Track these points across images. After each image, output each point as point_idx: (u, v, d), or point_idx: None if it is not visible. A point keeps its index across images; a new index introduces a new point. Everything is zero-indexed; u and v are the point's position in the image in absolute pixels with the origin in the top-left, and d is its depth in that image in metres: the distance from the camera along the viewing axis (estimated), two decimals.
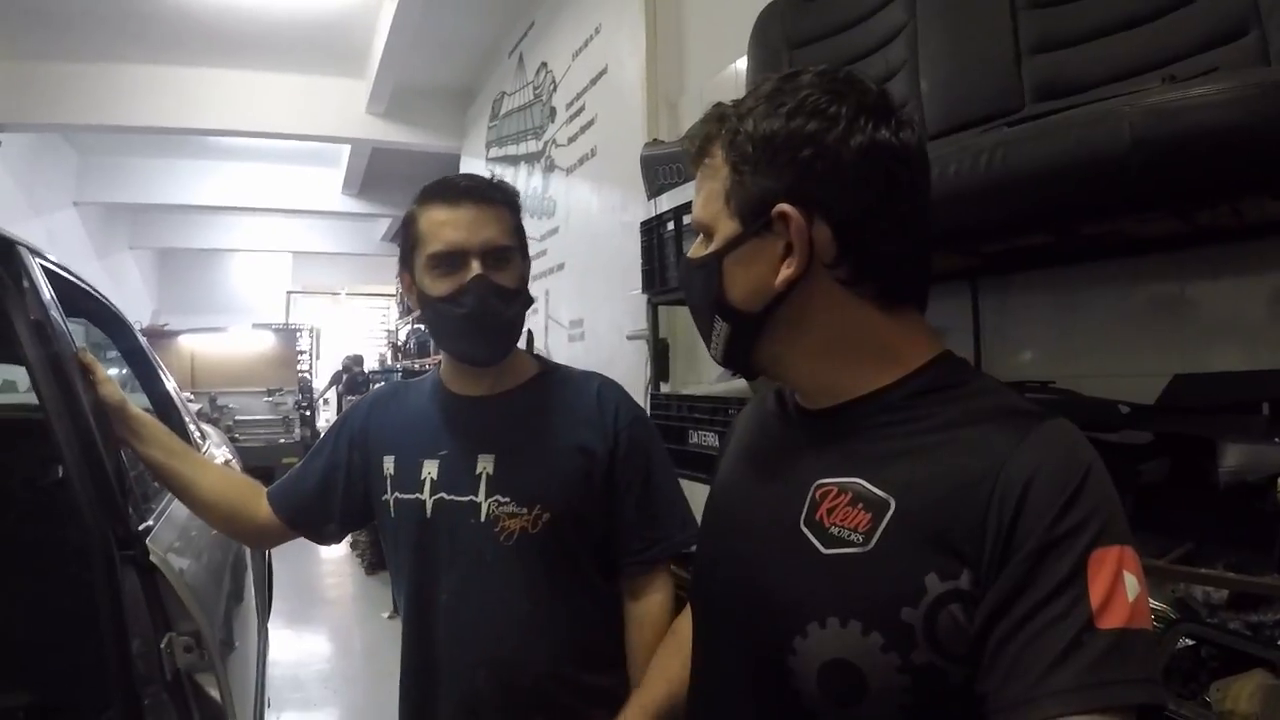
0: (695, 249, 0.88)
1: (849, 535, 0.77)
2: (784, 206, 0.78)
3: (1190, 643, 1.22)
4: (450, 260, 1.32)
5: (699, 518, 1.10)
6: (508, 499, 1.34)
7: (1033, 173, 1.25)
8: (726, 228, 0.83)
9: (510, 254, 1.37)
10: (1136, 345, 1.65)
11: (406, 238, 1.39)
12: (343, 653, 5.22)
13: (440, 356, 1.50)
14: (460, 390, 1.44)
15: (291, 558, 6.17)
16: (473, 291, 1.31)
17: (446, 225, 1.33)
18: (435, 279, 1.33)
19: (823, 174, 0.78)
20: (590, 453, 1.38)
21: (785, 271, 0.80)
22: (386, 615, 5.67)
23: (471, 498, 1.35)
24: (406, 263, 1.40)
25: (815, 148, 0.78)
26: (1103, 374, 1.64)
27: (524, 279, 1.40)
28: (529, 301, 1.41)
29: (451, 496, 1.36)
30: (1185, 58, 1.27)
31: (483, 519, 1.34)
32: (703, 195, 0.87)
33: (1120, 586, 0.67)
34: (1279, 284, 1.43)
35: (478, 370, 1.41)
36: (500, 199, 1.38)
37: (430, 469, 1.38)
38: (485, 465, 1.36)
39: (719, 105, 0.86)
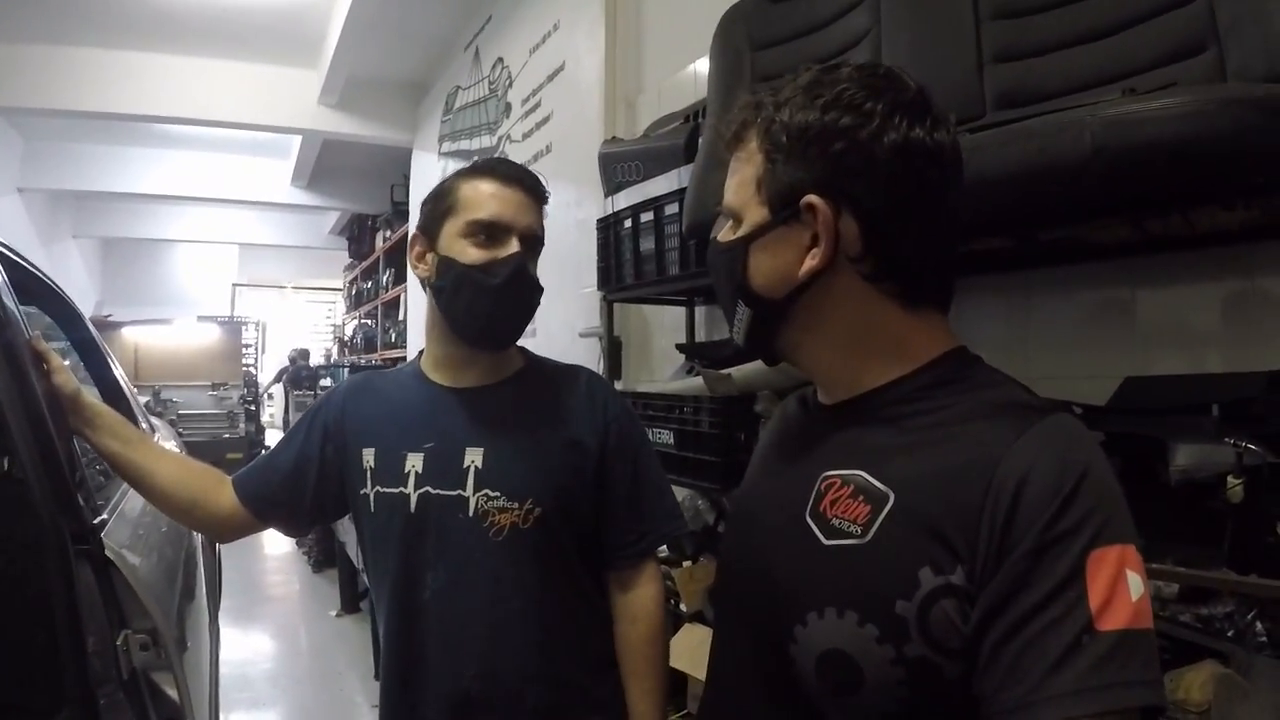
0: (724, 233, 0.89)
1: (848, 527, 0.78)
2: (812, 198, 0.79)
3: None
4: (493, 230, 1.32)
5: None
6: (497, 493, 1.31)
7: (995, 178, 1.27)
8: (755, 214, 0.84)
9: (539, 248, 1.38)
10: (1089, 349, 1.69)
11: (438, 204, 1.37)
12: (290, 651, 5.15)
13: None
14: (446, 382, 1.41)
15: (237, 555, 6.07)
16: (511, 264, 1.31)
17: (496, 198, 1.33)
18: (470, 246, 1.32)
19: (854, 169, 0.78)
20: (581, 446, 1.37)
21: (809, 262, 0.81)
22: (334, 614, 5.62)
23: (459, 492, 1.32)
24: (430, 229, 1.38)
25: (848, 142, 0.78)
26: (1056, 376, 1.67)
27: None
28: (540, 300, 1.40)
29: (438, 490, 1.32)
30: (1144, 72, 1.30)
31: (471, 514, 1.31)
32: (735, 181, 0.87)
33: (1122, 586, 0.66)
34: (1227, 291, 1.48)
35: (469, 358, 1.39)
36: (542, 196, 1.39)
37: (414, 462, 1.34)
38: (474, 458, 1.33)
39: (756, 93, 0.87)
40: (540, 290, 1.38)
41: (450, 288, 1.34)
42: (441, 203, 1.37)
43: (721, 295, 0.92)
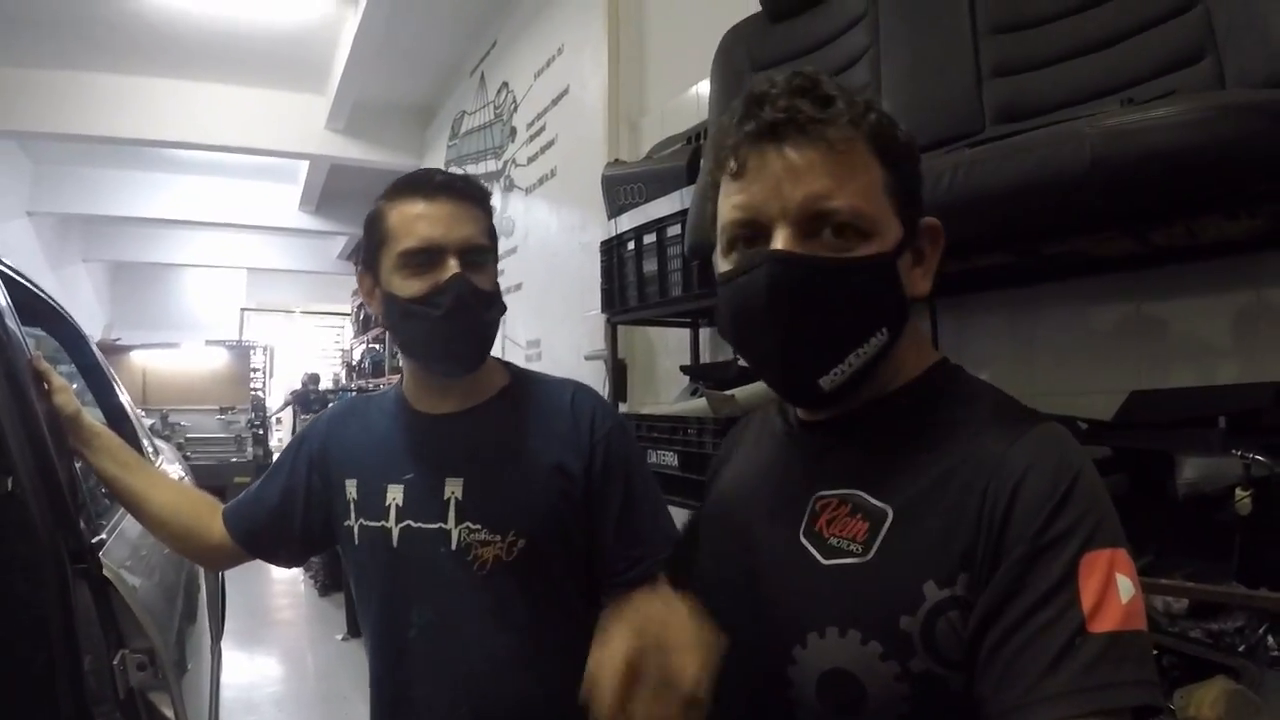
0: (796, 243, 0.75)
1: (848, 546, 0.78)
2: (932, 220, 0.82)
3: (1153, 651, 1.24)
4: (426, 257, 1.22)
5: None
6: (479, 526, 1.24)
7: (994, 192, 1.27)
8: (893, 228, 0.77)
9: (486, 255, 1.29)
10: (1094, 363, 1.68)
11: (372, 235, 1.29)
12: (296, 675, 5.12)
13: (398, 376, 1.41)
14: (425, 408, 1.34)
15: (243, 578, 6.04)
16: (451, 291, 1.21)
17: (422, 220, 1.23)
18: (407, 278, 1.23)
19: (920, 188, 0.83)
20: (565, 471, 1.29)
21: (925, 284, 0.82)
22: (340, 637, 5.58)
23: (440, 525, 1.26)
24: (370, 264, 1.30)
25: (919, 161, 0.83)
26: (1061, 392, 1.67)
27: (496, 283, 1.32)
28: (503, 308, 1.32)
29: (419, 524, 1.27)
30: (1143, 82, 1.30)
31: (454, 548, 1.25)
32: (857, 186, 0.75)
33: (1113, 589, 0.67)
34: (1232, 302, 1.47)
35: (445, 383, 1.32)
36: (477, 197, 1.29)
37: (395, 494, 1.29)
38: (454, 490, 1.27)
39: (807, 73, 0.78)
40: (495, 300, 1.29)
41: (397, 325, 1.28)
42: (374, 234, 1.28)
43: (844, 321, 0.77)
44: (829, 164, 0.74)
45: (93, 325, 11.27)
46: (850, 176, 0.75)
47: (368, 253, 1.31)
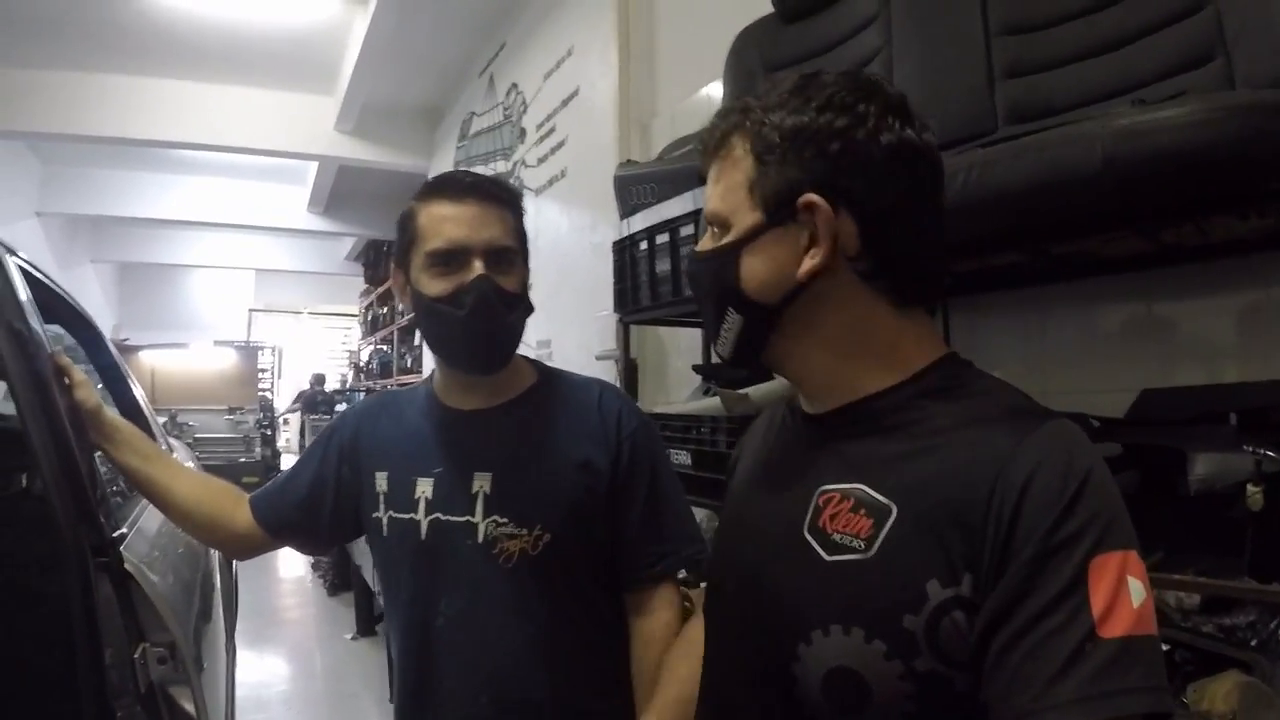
0: (704, 242, 0.89)
1: (851, 542, 0.77)
2: (811, 196, 0.79)
3: (1165, 647, 1.25)
4: (451, 258, 1.26)
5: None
6: (506, 520, 1.28)
7: (1006, 192, 1.27)
8: (747, 218, 0.83)
9: (514, 257, 1.32)
10: (1106, 362, 1.69)
11: (404, 234, 1.33)
12: (305, 674, 5.14)
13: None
14: (454, 403, 1.38)
15: (252, 577, 6.09)
16: (474, 291, 1.25)
17: (449, 221, 1.27)
18: (434, 278, 1.27)
19: (851, 168, 0.79)
20: (592, 468, 1.32)
21: (809, 262, 0.80)
22: (349, 636, 5.61)
23: (468, 518, 1.29)
24: (402, 261, 1.34)
25: (844, 142, 0.79)
26: (1072, 391, 1.67)
27: (525, 284, 1.35)
28: (530, 309, 1.35)
29: (448, 517, 1.30)
30: (1154, 83, 1.31)
31: (480, 540, 1.28)
32: (721, 188, 0.86)
33: (1124, 593, 0.66)
34: (1243, 301, 1.48)
35: (473, 380, 1.36)
36: (505, 199, 1.33)
37: (424, 488, 1.32)
38: (482, 484, 1.30)
39: (740, 99, 0.87)
40: (521, 302, 1.32)
41: (424, 322, 1.32)
42: (405, 233, 1.33)
43: (706, 306, 0.90)
44: (716, 172, 0.88)
45: (101, 326, 11.28)
46: (722, 180, 0.86)
47: (400, 251, 1.35)
